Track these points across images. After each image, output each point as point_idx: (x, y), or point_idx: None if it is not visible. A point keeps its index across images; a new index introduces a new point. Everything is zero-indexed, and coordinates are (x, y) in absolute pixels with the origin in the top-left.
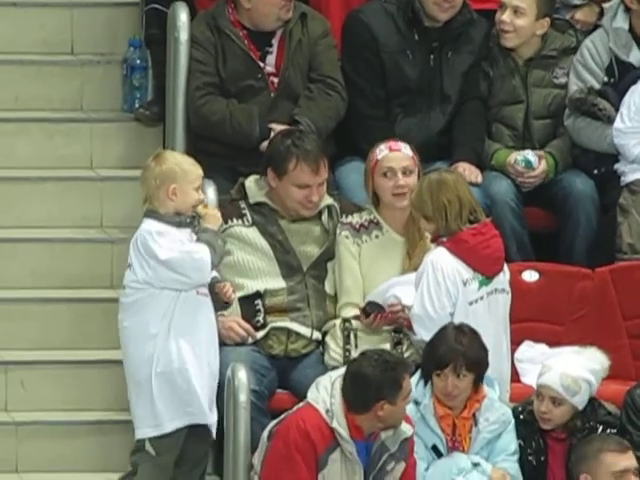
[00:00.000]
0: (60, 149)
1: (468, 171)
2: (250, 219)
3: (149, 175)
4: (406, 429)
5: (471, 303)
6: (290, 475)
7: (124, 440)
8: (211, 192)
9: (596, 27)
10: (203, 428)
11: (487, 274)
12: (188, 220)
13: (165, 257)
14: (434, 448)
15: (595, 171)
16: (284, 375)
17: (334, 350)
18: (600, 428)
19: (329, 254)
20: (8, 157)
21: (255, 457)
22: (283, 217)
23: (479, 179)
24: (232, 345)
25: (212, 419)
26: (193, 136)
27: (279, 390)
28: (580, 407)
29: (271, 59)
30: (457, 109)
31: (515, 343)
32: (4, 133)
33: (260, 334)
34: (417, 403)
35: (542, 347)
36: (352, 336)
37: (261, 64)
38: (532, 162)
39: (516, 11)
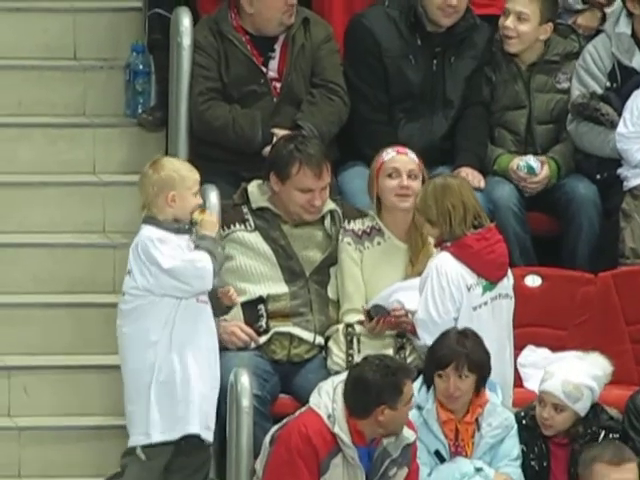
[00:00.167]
0: (63, 154)
1: (471, 176)
2: (252, 224)
3: (147, 182)
4: (408, 434)
5: (475, 308)
6: None
7: (126, 445)
8: (214, 197)
9: (598, 32)
10: (198, 437)
11: (491, 279)
12: (186, 227)
13: (168, 266)
14: (437, 453)
15: (598, 176)
16: (287, 380)
17: (337, 355)
18: (602, 433)
19: (332, 259)
20: (10, 162)
21: (257, 462)
22: (286, 222)
23: (482, 184)
24: (234, 350)
25: (207, 433)
26: (196, 141)
27: (282, 395)
28: (582, 413)
29: (274, 64)
30: (460, 114)
31: (518, 348)
32: (7, 138)
33: (263, 339)
34: (420, 408)
35: (545, 352)
36: (355, 341)
37: (264, 69)
38: (534, 168)
39: (519, 17)
